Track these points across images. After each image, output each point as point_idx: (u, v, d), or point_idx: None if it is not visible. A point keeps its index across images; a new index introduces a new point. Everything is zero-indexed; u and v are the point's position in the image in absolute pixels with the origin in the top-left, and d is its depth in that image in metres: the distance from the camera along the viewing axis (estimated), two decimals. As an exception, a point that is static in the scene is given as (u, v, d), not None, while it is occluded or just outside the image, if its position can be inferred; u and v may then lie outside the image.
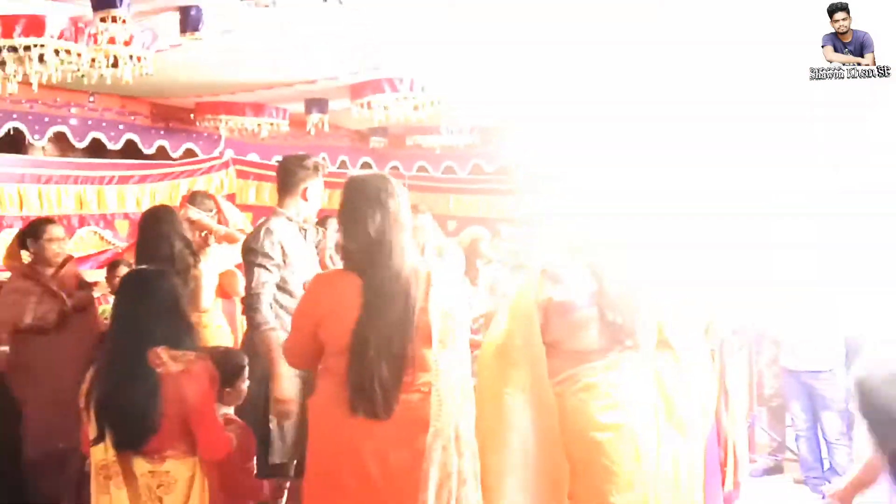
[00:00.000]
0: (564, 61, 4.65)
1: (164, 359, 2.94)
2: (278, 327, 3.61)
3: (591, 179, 3.56)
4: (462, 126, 7.36)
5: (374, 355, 2.64)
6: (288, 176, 3.88)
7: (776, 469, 5.83)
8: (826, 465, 5.29)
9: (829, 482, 4.94)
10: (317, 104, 6.17)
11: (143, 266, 3.78)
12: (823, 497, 4.98)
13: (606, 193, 3.42)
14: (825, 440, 5.27)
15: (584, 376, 3.04)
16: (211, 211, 4.91)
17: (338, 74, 5.33)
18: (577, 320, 3.03)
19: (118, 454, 2.95)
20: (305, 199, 3.85)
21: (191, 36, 3.80)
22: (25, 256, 4.63)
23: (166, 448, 2.96)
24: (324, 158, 7.80)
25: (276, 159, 7.48)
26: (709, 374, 3.97)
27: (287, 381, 3.52)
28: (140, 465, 2.96)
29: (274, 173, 7.27)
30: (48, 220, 4.85)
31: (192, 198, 5.05)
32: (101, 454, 2.98)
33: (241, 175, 7.24)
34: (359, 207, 2.77)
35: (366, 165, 8.46)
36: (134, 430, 2.93)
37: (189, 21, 3.77)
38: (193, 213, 4.75)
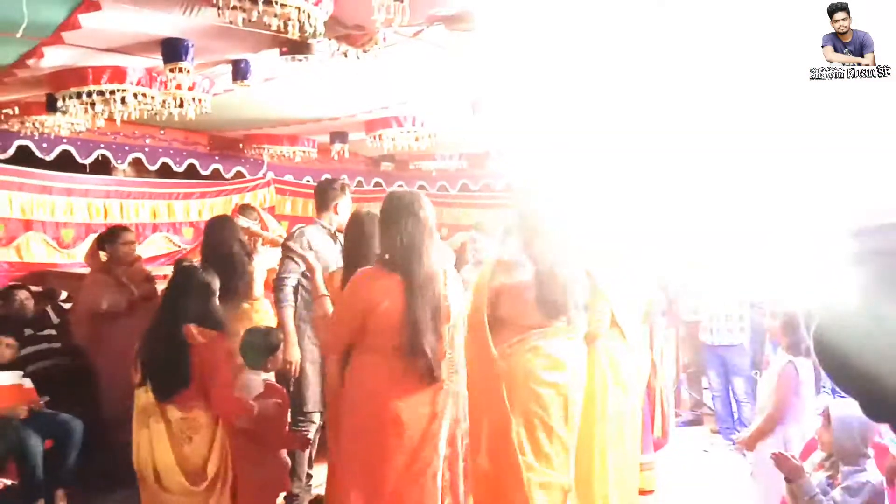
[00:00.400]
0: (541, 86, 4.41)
1: (194, 333, 3.04)
2: (294, 306, 3.80)
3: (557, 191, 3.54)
4: (452, 154, 7.39)
5: (421, 333, 2.69)
6: (322, 195, 4.02)
7: (696, 421, 5.88)
8: (736, 418, 5.33)
9: (738, 431, 4.99)
10: (339, 136, 6.15)
11: (187, 263, 3.83)
12: (733, 443, 5.03)
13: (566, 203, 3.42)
14: (735, 399, 5.31)
15: (529, 341, 3.05)
16: (256, 220, 4.91)
17: (355, 113, 5.33)
18: (524, 300, 3.04)
19: (157, 402, 3.05)
20: (336, 213, 3.97)
21: (241, 83, 3.80)
22: (103, 256, 4.63)
23: (193, 401, 3.05)
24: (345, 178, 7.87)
25: (306, 179, 7.52)
26: (645, 348, 4.02)
27: (295, 347, 3.74)
28: (173, 412, 3.05)
29: (306, 191, 7.40)
30: (123, 228, 4.85)
31: (242, 209, 5.05)
32: (143, 398, 3.09)
33: (280, 192, 7.22)
34: (395, 216, 2.76)
35: (378, 184, 8.48)
36: (169, 385, 3.04)
37: (239, 71, 3.77)
38: (243, 221, 4.76)
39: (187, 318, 3.08)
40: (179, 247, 6.20)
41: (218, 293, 3.27)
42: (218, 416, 3.10)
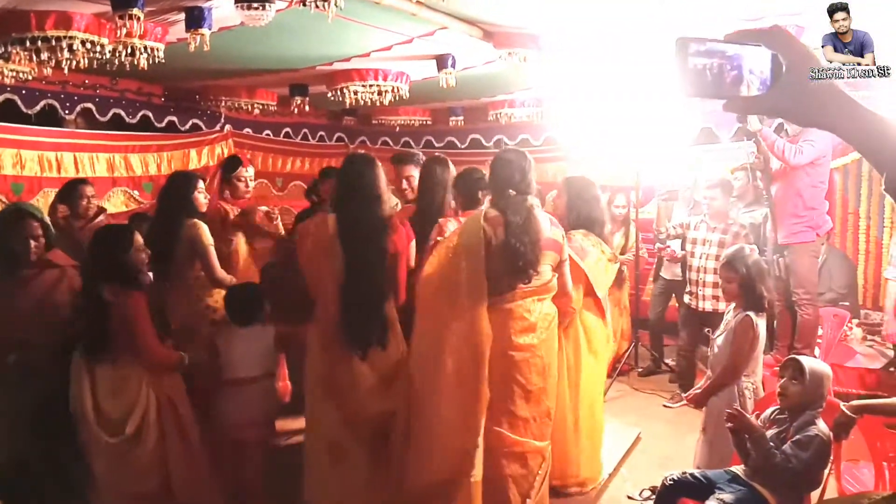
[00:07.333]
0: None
1: (109, 293, 3.05)
2: None
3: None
4: (416, 108, 7.28)
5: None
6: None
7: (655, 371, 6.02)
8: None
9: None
10: (299, 89, 6.02)
11: (109, 224, 3.91)
12: (682, 400, 5.14)
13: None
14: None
15: (502, 302, 3.08)
16: (247, 167, 4.70)
17: (315, 65, 5.21)
18: (494, 265, 3.07)
19: (86, 362, 3.07)
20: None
21: (195, 32, 3.64)
22: (63, 211, 4.45)
23: (119, 356, 3.07)
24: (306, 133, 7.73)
25: (266, 133, 7.35)
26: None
27: None
28: (102, 370, 3.08)
29: (265, 145, 7.27)
30: (81, 181, 4.68)
31: (232, 162, 4.81)
32: (80, 354, 3.12)
33: (238, 146, 7.03)
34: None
35: (339, 139, 8.33)
36: (94, 345, 3.07)
37: (194, 19, 3.62)
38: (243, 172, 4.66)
39: (101, 277, 3.07)
40: (141, 202, 6.03)
41: (137, 247, 3.19)
42: (146, 372, 3.11)
